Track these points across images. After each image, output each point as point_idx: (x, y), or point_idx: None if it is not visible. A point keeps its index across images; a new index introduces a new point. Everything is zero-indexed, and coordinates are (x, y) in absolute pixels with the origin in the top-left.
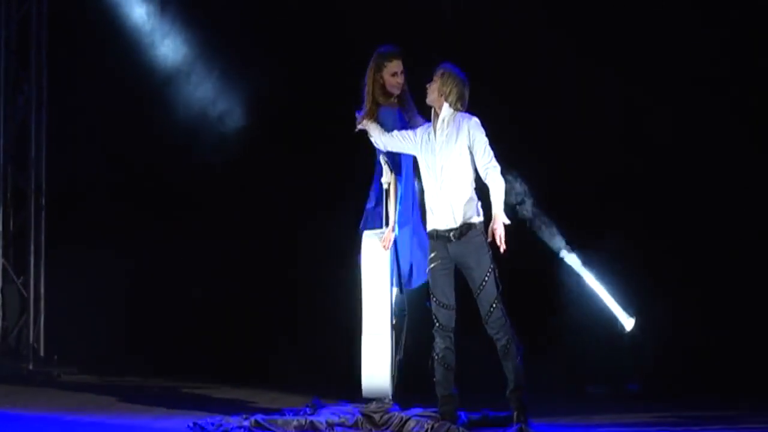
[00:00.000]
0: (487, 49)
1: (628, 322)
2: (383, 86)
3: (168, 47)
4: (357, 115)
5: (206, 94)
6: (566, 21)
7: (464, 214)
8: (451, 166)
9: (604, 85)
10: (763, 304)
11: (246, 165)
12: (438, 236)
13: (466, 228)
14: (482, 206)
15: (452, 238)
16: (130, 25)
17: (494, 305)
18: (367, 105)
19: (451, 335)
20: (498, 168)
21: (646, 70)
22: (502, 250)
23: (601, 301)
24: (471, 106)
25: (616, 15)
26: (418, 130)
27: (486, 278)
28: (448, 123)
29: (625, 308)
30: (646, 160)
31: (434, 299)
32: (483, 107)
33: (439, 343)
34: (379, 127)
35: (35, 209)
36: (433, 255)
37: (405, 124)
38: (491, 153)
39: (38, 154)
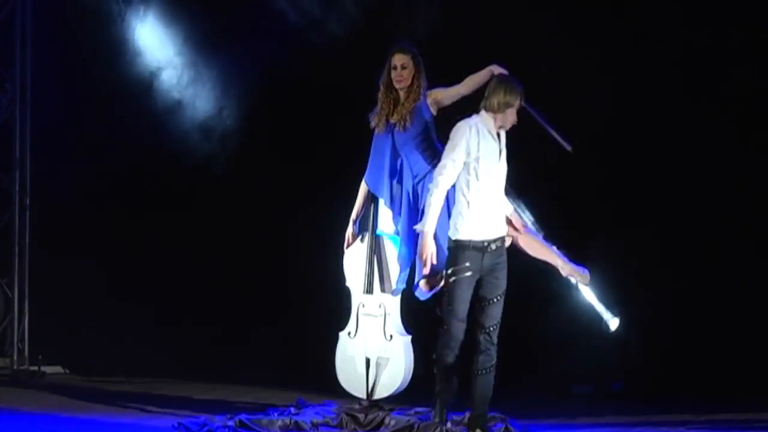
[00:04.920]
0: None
1: (612, 322)
2: (390, 82)
3: (154, 46)
4: (369, 117)
5: (193, 94)
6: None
7: (503, 225)
8: (505, 176)
9: (592, 85)
10: (749, 305)
11: (235, 165)
12: (473, 246)
13: (501, 240)
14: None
15: (492, 248)
16: (116, 23)
17: (498, 323)
18: (378, 104)
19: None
20: None
21: (634, 67)
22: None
23: (585, 300)
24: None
25: (607, 17)
26: (470, 138)
27: (501, 294)
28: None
29: (610, 308)
30: (631, 160)
31: (451, 309)
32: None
33: (450, 354)
34: (437, 209)
35: (19, 209)
36: (465, 265)
37: (382, 150)
38: None
39: (22, 153)
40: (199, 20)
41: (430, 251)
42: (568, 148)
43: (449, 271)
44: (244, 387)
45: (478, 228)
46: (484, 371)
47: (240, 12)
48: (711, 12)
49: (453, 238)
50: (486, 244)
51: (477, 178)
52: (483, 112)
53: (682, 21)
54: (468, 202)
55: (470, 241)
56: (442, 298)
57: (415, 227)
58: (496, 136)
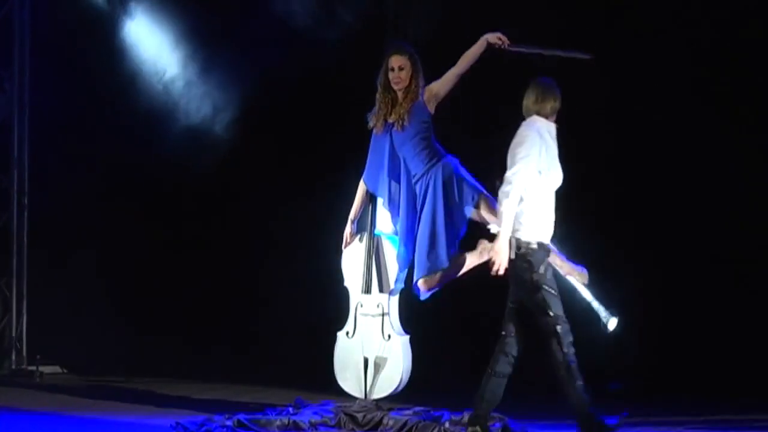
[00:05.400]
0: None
1: (611, 322)
2: (387, 83)
3: (154, 48)
4: (367, 117)
5: (191, 95)
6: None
7: None
8: None
9: (593, 84)
10: (747, 304)
11: (233, 166)
12: (545, 249)
13: None
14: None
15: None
16: (115, 24)
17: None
18: (376, 105)
19: None
20: None
21: (634, 66)
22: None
23: (583, 300)
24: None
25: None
26: (541, 145)
27: None
28: None
29: (608, 307)
30: (628, 160)
31: (555, 313)
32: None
33: (573, 350)
34: (512, 213)
35: (18, 209)
36: (546, 264)
37: (381, 150)
38: None
39: (21, 154)
40: (196, 22)
41: (505, 255)
42: (588, 56)
43: (536, 278)
44: (243, 387)
45: (547, 231)
46: (501, 375)
47: (237, 14)
48: (711, 12)
49: (534, 241)
50: (549, 247)
51: (547, 183)
52: (538, 118)
53: (685, 21)
54: (539, 206)
55: (542, 244)
56: (540, 310)
57: (490, 227)
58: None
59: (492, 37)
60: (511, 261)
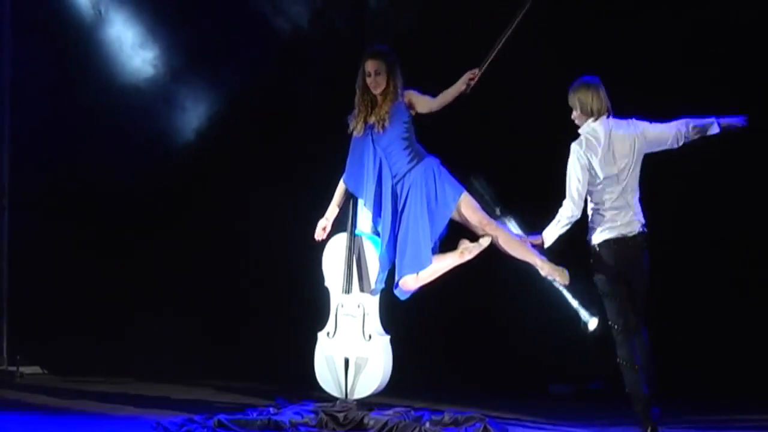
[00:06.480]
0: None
1: (591, 322)
2: (365, 86)
3: (136, 51)
4: (348, 120)
5: (173, 99)
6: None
7: None
8: None
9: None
10: (734, 301)
11: (217, 165)
12: None
13: None
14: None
15: None
16: (98, 26)
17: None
18: (356, 108)
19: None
20: None
21: (619, 64)
22: None
23: (564, 300)
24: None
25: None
26: (584, 165)
27: None
28: None
29: (588, 308)
30: None
31: None
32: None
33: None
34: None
35: None
36: None
37: (361, 151)
38: None
39: (1, 154)
40: (181, 26)
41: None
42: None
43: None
44: (223, 387)
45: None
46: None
47: (222, 20)
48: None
49: None
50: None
51: None
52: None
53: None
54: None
55: None
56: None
57: None
58: None
59: (466, 80)
60: (642, 251)
